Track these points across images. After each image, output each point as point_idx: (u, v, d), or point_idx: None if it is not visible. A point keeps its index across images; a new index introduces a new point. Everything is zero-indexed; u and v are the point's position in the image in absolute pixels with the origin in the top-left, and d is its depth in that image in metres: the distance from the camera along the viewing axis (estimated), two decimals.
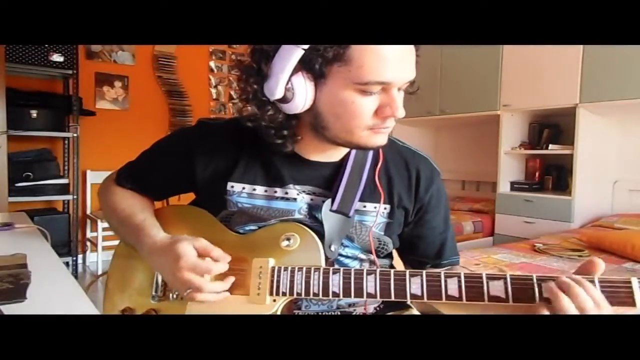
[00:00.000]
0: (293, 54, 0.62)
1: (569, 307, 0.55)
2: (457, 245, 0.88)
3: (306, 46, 0.61)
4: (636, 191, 2.96)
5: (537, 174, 3.29)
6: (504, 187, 3.25)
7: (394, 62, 0.62)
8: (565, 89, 2.83)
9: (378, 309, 0.86)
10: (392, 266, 0.91)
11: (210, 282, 0.68)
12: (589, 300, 0.55)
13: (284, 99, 0.66)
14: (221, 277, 0.72)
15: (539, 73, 2.97)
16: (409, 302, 0.65)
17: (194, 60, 3.93)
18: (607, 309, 0.56)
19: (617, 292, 0.56)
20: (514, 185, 3.24)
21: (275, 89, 0.65)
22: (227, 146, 0.78)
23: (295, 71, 0.64)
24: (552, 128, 3.22)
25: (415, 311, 0.93)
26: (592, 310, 0.55)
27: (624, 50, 2.55)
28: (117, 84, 3.61)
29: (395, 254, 0.93)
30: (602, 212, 2.98)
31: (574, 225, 2.84)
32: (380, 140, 0.69)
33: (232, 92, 4.10)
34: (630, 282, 0.56)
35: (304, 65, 0.63)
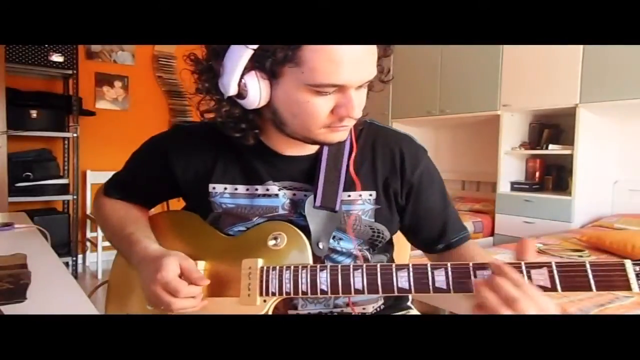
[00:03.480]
0: (242, 54, 0.60)
1: (492, 302, 0.54)
2: (461, 220, 0.84)
3: (255, 46, 0.59)
4: (636, 191, 2.95)
5: (537, 174, 3.29)
6: (504, 187, 3.25)
7: (348, 65, 0.60)
8: (565, 89, 2.83)
9: (378, 309, 0.85)
10: (392, 261, 0.90)
11: (180, 300, 0.67)
12: (511, 291, 0.53)
13: (240, 95, 0.65)
14: (211, 288, 0.72)
15: (539, 73, 2.97)
16: (396, 293, 0.63)
17: None
18: (542, 300, 0.54)
19: (610, 276, 0.54)
20: (514, 186, 3.24)
21: (229, 87, 0.63)
22: (204, 147, 0.78)
23: (248, 69, 0.62)
24: (552, 128, 3.22)
25: (415, 311, 0.93)
26: (522, 302, 0.52)
27: (624, 50, 2.55)
28: (117, 84, 3.61)
29: (395, 250, 0.92)
30: (602, 212, 2.97)
31: (574, 225, 2.84)
32: (339, 137, 0.68)
33: None
34: (624, 265, 0.54)
35: (256, 64, 0.62)
